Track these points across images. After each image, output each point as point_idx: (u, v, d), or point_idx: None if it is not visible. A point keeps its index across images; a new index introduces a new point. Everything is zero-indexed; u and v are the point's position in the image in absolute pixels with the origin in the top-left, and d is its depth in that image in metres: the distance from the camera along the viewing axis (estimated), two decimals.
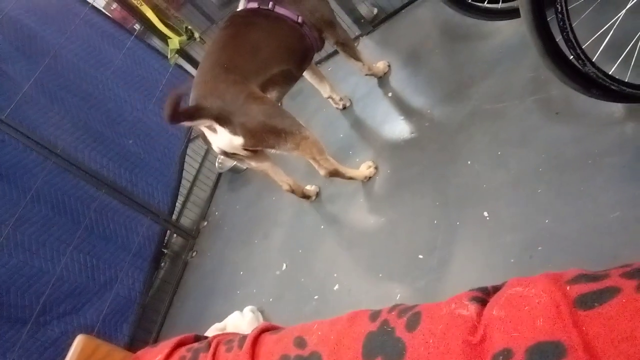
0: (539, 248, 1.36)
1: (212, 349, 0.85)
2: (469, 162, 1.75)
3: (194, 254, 2.93)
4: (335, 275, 1.91)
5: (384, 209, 1.95)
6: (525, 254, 1.39)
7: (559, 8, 1.13)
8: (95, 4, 3.08)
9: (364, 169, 2.10)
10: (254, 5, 2.03)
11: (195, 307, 2.56)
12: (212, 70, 1.86)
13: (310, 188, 2.34)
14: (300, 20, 2.03)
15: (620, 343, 0.45)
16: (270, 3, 2.01)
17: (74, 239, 2.38)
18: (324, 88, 2.56)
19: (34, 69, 2.47)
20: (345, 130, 2.50)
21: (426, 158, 1.93)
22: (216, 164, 3.24)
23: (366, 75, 2.50)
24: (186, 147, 3.35)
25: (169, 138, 3.18)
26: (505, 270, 1.40)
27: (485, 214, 1.56)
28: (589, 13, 1.41)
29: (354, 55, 2.34)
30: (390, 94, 2.39)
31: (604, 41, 1.27)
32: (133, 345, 2.48)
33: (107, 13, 3.76)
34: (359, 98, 2.59)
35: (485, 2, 1.86)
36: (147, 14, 3.24)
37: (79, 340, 0.93)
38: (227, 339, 0.88)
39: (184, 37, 3.34)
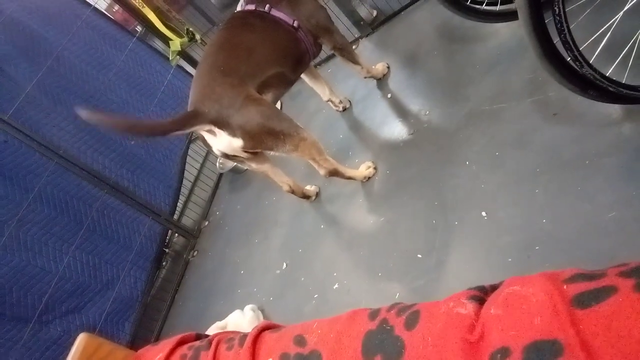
0: (537, 248, 1.37)
1: (213, 347, 0.86)
2: (467, 163, 1.76)
3: (195, 253, 2.93)
4: (334, 274, 1.92)
5: (383, 209, 1.96)
6: (523, 253, 1.39)
7: (557, 10, 1.14)
8: (97, 6, 3.09)
9: (364, 169, 2.11)
10: (251, 7, 2.04)
11: (196, 306, 2.57)
12: (209, 74, 1.86)
13: (310, 188, 2.35)
14: (295, 24, 2.03)
15: (617, 342, 0.45)
16: (267, 5, 2.02)
17: (76, 239, 2.39)
18: (323, 91, 2.56)
19: (36, 71, 2.48)
20: (345, 131, 2.51)
21: (425, 159, 1.94)
22: (217, 165, 3.25)
23: (365, 77, 2.51)
24: (187, 147, 3.36)
25: (171, 138, 3.19)
26: (503, 269, 1.40)
27: (484, 214, 1.57)
28: (587, 15, 1.42)
29: (353, 59, 2.35)
30: (389, 96, 2.40)
31: (601, 43, 1.27)
32: (135, 344, 2.50)
33: (109, 15, 3.77)
34: (358, 99, 2.59)
35: (484, 5, 1.87)
36: (148, 16, 3.24)
37: (81, 339, 0.93)
38: (227, 337, 0.88)
39: (186, 39, 3.35)
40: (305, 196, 2.31)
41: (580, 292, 0.51)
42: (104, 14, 3.42)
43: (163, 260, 2.99)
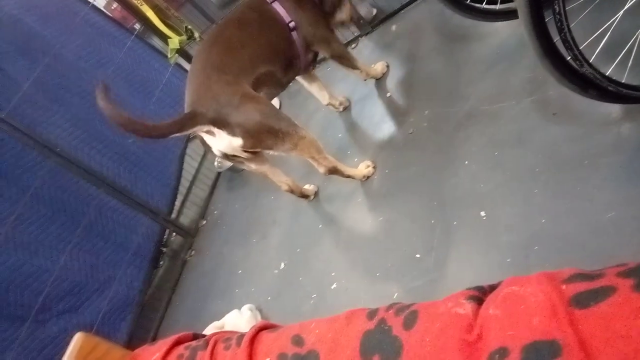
0: (535, 248, 1.37)
1: (210, 347, 0.85)
2: (466, 162, 1.75)
3: (193, 252, 2.93)
4: (333, 274, 1.92)
5: (381, 208, 1.96)
6: (521, 253, 1.39)
7: (557, 9, 1.13)
8: (95, 4, 3.08)
9: (363, 168, 2.11)
10: None
11: (193, 306, 2.57)
12: (203, 71, 1.85)
13: (308, 188, 2.34)
14: (292, 25, 2.02)
15: (616, 342, 0.45)
16: None
17: (73, 238, 2.38)
18: (323, 96, 2.56)
19: (33, 68, 2.47)
20: (344, 130, 2.51)
21: (424, 158, 1.93)
22: (215, 164, 3.25)
23: (365, 80, 2.51)
24: (185, 146, 3.36)
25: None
26: (502, 269, 1.40)
27: (482, 213, 1.57)
28: (587, 14, 1.42)
29: (351, 65, 2.35)
30: (388, 95, 2.40)
31: (601, 42, 1.27)
32: (131, 344, 2.49)
33: (107, 12, 3.76)
34: (357, 99, 2.59)
35: (484, 3, 1.86)
36: (147, 14, 3.25)
37: (77, 338, 0.93)
38: (225, 337, 0.88)
39: (184, 37, 3.35)
40: (304, 195, 2.30)
41: (579, 292, 0.51)
42: (102, 11, 3.41)
43: (160, 259, 2.99)
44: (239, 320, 2.03)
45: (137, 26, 3.97)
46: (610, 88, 1.24)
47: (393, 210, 1.90)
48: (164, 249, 3.03)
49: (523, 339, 0.50)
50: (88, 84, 2.86)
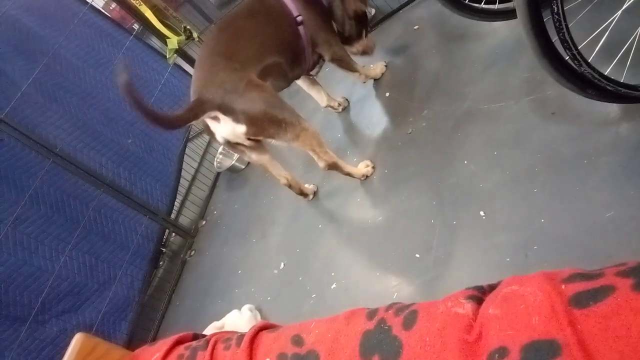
0: (535, 247, 1.37)
1: (210, 347, 0.86)
2: (465, 162, 1.75)
3: (193, 253, 2.93)
4: (332, 274, 1.92)
5: (381, 208, 1.96)
6: (520, 253, 1.39)
7: (555, 9, 1.13)
8: (94, 4, 3.08)
9: (362, 167, 2.11)
10: None
11: (193, 306, 2.57)
12: (210, 58, 1.87)
13: (308, 187, 2.34)
14: (299, 19, 2.03)
15: (615, 341, 0.45)
16: None
17: (72, 238, 2.38)
18: (321, 98, 2.57)
19: (32, 68, 2.46)
20: (343, 130, 2.51)
21: (423, 158, 1.94)
22: (215, 164, 3.25)
23: (364, 82, 2.52)
24: (185, 146, 3.35)
25: (168, 137, 3.18)
26: (501, 269, 1.40)
27: (482, 213, 1.57)
28: (585, 14, 1.42)
29: (351, 68, 2.37)
30: (387, 94, 2.40)
31: (599, 42, 1.27)
32: (131, 344, 2.49)
33: (106, 13, 3.75)
34: (356, 99, 2.59)
35: (482, 3, 1.87)
36: (145, 14, 3.24)
37: (77, 339, 0.93)
38: (225, 337, 0.88)
39: (183, 37, 3.35)
40: (303, 193, 2.30)
41: (578, 291, 0.51)
42: (101, 11, 3.41)
43: (160, 259, 2.98)
44: (239, 320, 2.03)
45: (136, 26, 3.97)
46: (608, 87, 1.25)
47: (392, 210, 1.90)
48: (164, 249, 3.03)
49: (522, 338, 0.50)
50: (87, 84, 2.86)
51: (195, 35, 3.39)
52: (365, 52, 2.36)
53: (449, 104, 2.00)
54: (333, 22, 2.21)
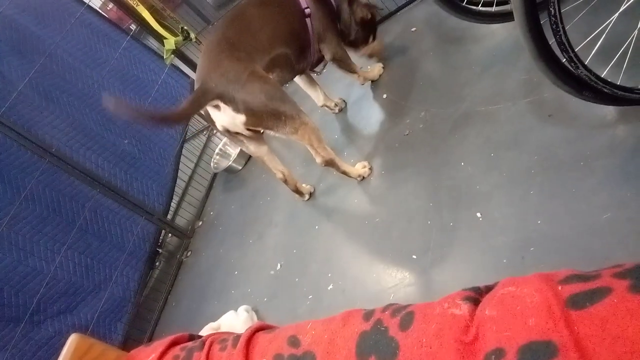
0: (531, 249, 1.37)
1: (206, 348, 0.85)
2: (462, 164, 1.76)
3: (189, 253, 2.92)
4: (329, 275, 1.92)
5: (377, 209, 1.96)
6: (517, 254, 1.39)
7: (552, 11, 1.14)
8: (91, 4, 3.07)
9: (359, 167, 2.11)
10: None
11: (189, 307, 2.56)
12: (217, 46, 1.88)
13: (305, 186, 2.34)
14: (307, 11, 2.05)
15: (612, 343, 0.45)
16: None
17: (68, 238, 2.37)
18: (317, 97, 2.57)
19: (29, 68, 2.46)
20: (340, 131, 2.51)
21: (420, 159, 1.94)
22: (211, 164, 3.24)
23: (362, 84, 2.52)
24: (181, 146, 3.35)
25: (165, 138, 3.17)
26: (498, 270, 1.40)
27: (478, 215, 1.57)
28: (582, 16, 1.43)
29: (349, 69, 2.38)
30: (384, 96, 2.40)
31: (596, 44, 1.28)
32: (127, 345, 2.48)
33: (103, 13, 3.74)
34: (354, 100, 2.59)
35: (480, 6, 1.87)
36: (143, 14, 3.23)
37: (72, 339, 0.92)
38: (221, 338, 0.88)
39: (180, 38, 3.34)
40: (298, 191, 2.29)
41: (575, 293, 0.51)
42: (98, 12, 3.40)
43: (156, 260, 2.98)
44: (235, 321, 2.02)
45: (133, 27, 3.96)
46: (605, 90, 1.25)
47: (389, 211, 1.90)
48: (160, 250, 3.02)
49: (519, 339, 0.50)
50: (84, 84, 2.85)
51: (192, 35, 3.38)
52: (372, 56, 2.37)
53: (446, 106, 2.00)
54: (338, 24, 2.21)
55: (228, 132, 1.95)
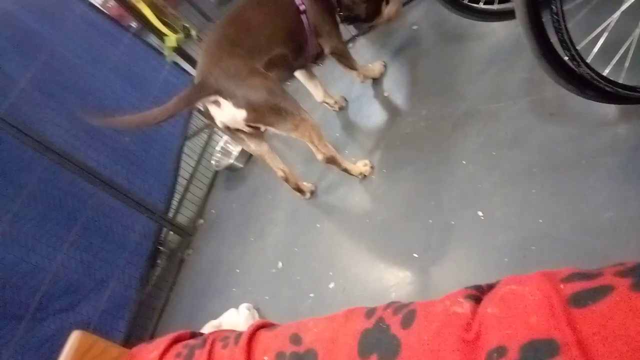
0: (533, 248, 1.37)
1: (207, 346, 0.85)
2: (463, 162, 1.76)
3: (190, 251, 2.92)
4: (330, 273, 1.92)
5: (379, 208, 1.96)
6: (519, 253, 1.39)
7: (554, 9, 1.14)
8: (92, 1, 3.07)
9: (360, 165, 2.11)
10: None
11: (191, 305, 2.56)
12: (218, 43, 1.89)
13: (306, 184, 2.33)
14: (302, 8, 2.04)
15: (614, 341, 0.45)
16: None
17: (70, 236, 2.37)
18: (317, 92, 2.56)
19: (30, 66, 2.46)
20: (341, 129, 2.51)
21: (421, 158, 1.94)
22: (213, 162, 3.24)
23: (362, 82, 2.52)
24: (183, 144, 3.35)
25: (166, 135, 3.18)
26: (499, 269, 1.40)
27: (480, 213, 1.57)
28: (584, 14, 1.42)
29: (350, 65, 2.37)
30: (385, 94, 2.40)
31: (598, 42, 1.27)
32: (129, 342, 2.48)
33: (104, 10, 3.74)
34: (354, 98, 2.59)
35: (481, 3, 1.87)
36: (144, 12, 3.23)
37: (75, 337, 0.92)
38: (223, 335, 0.88)
39: (181, 35, 3.34)
40: (299, 189, 2.29)
41: (577, 291, 0.51)
42: (99, 9, 3.40)
43: (158, 258, 2.98)
44: (237, 319, 2.03)
45: (134, 24, 3.96)
46: (607, 88, 1.25)
47: (390, 209, 1.90)
48: (162, 248, 3.02)
49: (521, 337, 0.50)
50: (85, 82, 2.85)
51: (193, 33, 3.38)
52: (391, 20, 2.34)
53: (447, 104, 2.00)
54: (337, 16, 2.20)
55: (228, 129, 1.95)
